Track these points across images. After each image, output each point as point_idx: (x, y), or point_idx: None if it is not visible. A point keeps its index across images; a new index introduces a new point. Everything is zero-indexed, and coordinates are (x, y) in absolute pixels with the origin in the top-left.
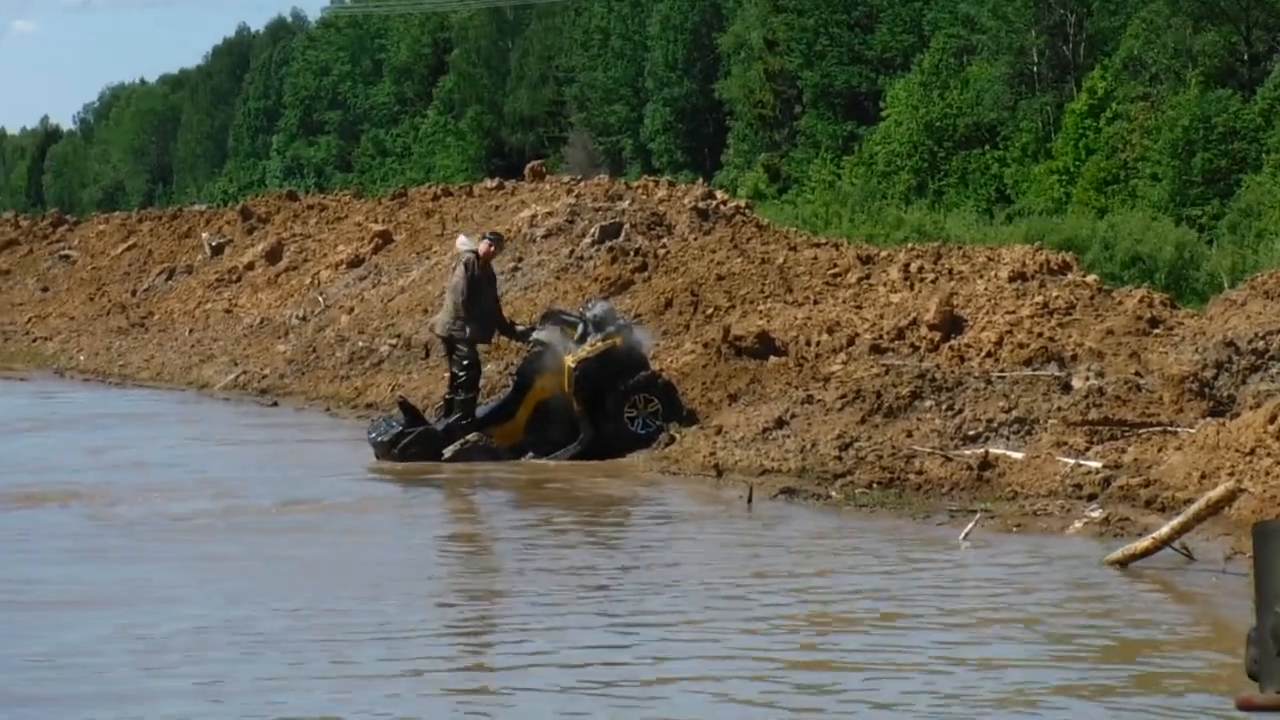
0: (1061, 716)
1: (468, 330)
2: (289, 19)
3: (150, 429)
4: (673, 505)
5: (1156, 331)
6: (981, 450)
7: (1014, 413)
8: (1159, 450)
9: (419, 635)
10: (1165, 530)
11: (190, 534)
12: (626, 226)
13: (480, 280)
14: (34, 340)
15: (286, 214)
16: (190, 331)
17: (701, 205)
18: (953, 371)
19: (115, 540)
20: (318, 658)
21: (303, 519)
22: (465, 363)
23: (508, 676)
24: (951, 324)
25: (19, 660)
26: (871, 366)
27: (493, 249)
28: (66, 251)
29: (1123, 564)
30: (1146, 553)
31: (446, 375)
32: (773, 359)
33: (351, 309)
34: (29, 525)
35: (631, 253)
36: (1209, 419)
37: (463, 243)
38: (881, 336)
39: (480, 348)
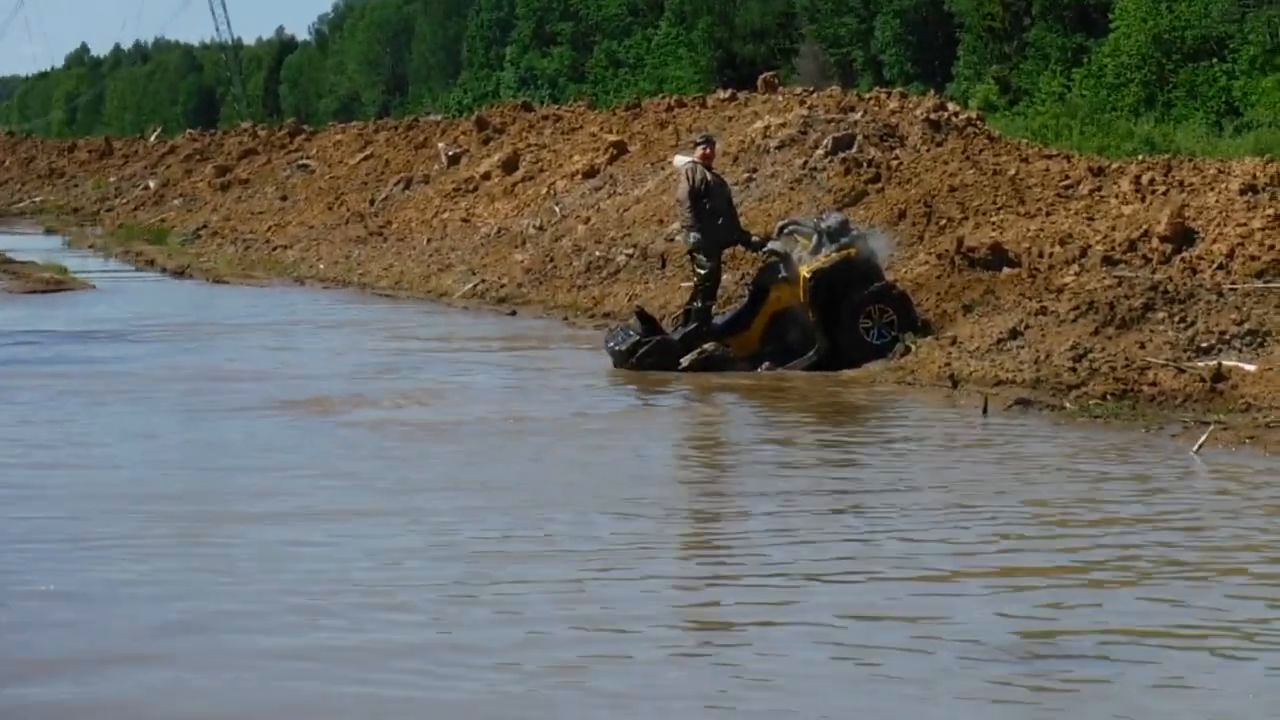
0: None
1: (701, 239)
2: None
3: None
4: (911, 417)
5: None
6: (1214, 362)
7: (1246, 325)
8: None
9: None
10: None
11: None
12: (859, 138)
13: (705, 188)
14: (274, 249)
15: (521, 124)
16: (428, 240)
17: (933, 117)
18: (1185, 283)
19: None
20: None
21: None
22: (702, 272)
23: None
24: (1183, 236)
25: None
26: (1104, 278)
27: (708, 151)
28: (304, 161)
29: None
30: None
31: (685, 285)
32: (1006, 270)
33: (588, 219)
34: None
35: (864, 164)
36: None
37: (679, 159)
38: (1114, 248)
39: (725, 253)
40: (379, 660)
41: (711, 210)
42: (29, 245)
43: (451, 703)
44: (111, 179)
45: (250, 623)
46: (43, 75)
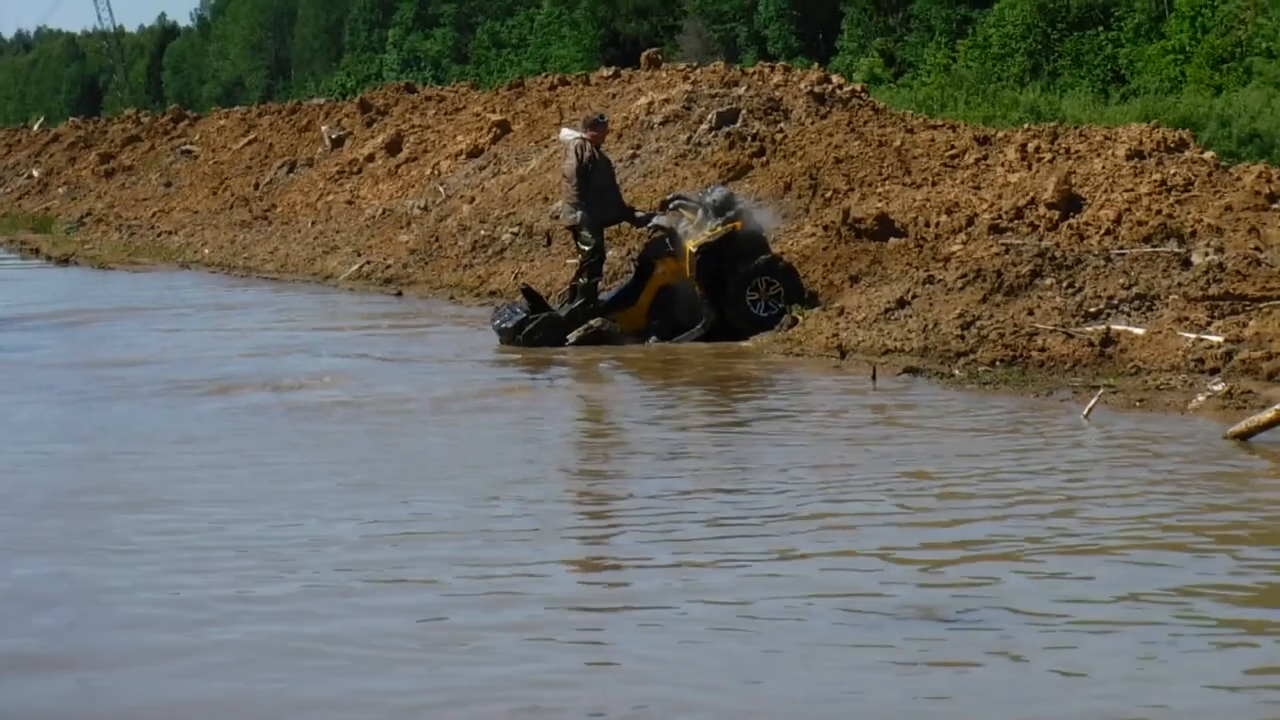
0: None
1: (587, 216)
2: None
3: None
4: (799, 387)
5: (1276, 206)
6: (1103, 327)
7: (1134, 289)
8: None
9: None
10: None
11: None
12: (743, 112)
13: (594, 165)
14: (159, 235)
15: (405, 106)
16: (313, 223)
17: (818, 90)
18: (1072, 249)
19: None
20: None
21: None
22: (587, 248)
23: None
24: (1070, 202)
25: None
26: (991, 246)
27: (597, 134)
28: (188, 147)
29: (1244, 436)
30: (1270, 424)
31: (570, 262)
32: (892, 240)
33: (472, 198)
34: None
35: (749, 138)
36: None
37: (566, 134)
38: (1000, 216)
39: (608, 230)
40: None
41: (597, 187)
42: None
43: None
44: None
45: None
46: None
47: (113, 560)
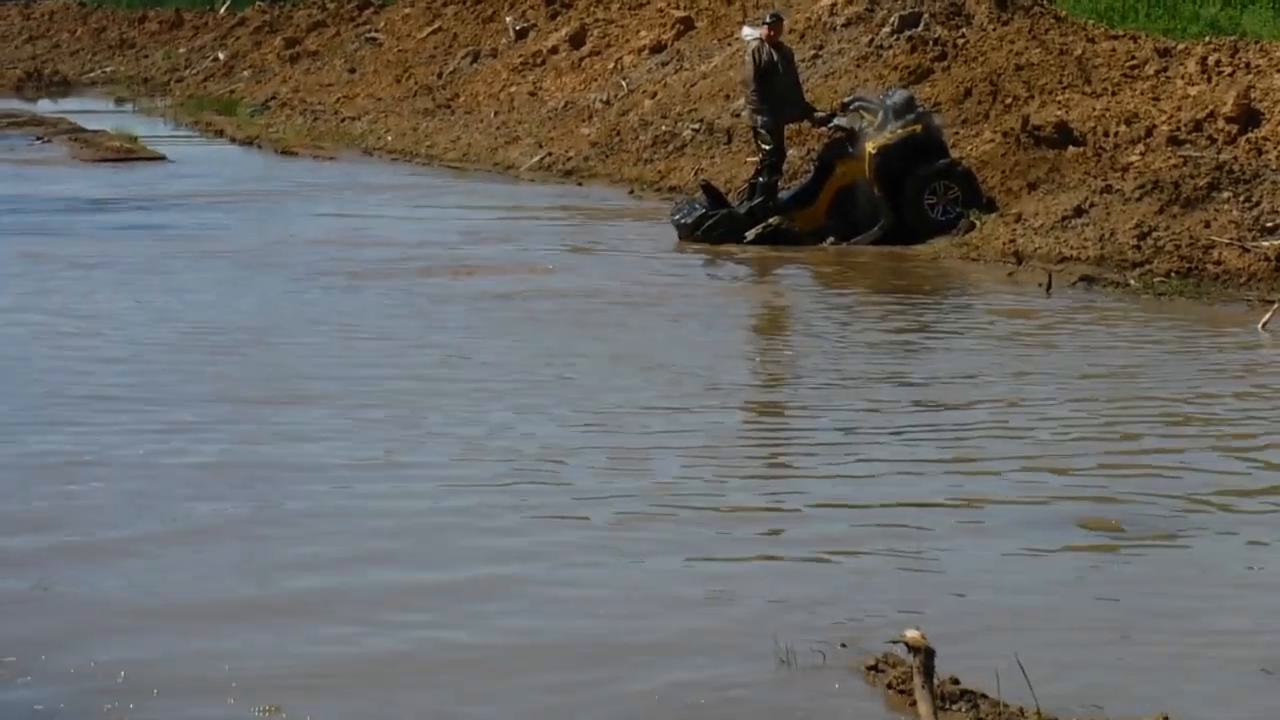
0: None
1: (767, 119)
2: None
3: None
4: (977, 291)
5: None
6: (1279, 242)
7: None
8: None
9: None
10: None
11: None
12: (925, 16)
13: (771, 65)
14: (342, 120)
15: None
16: (495, 114)
17: None
18: (1250, 164)
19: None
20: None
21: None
22: (767, 148)
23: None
24: (1249, 117)
25: None
26: (1169, 158)
27: (772, 31)
28: (373, 34)
29: None
30: None
31: (750, 160)
32: (1071, 149)
33: (654, 94)
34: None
35: (930, 42)
36: None
37: (747, 33)
38: (1179, 128)
39: (788, 129)
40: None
41: (778, 88)
42: (100, 115)
43: None
44: (181, 50)
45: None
46: None
47: None
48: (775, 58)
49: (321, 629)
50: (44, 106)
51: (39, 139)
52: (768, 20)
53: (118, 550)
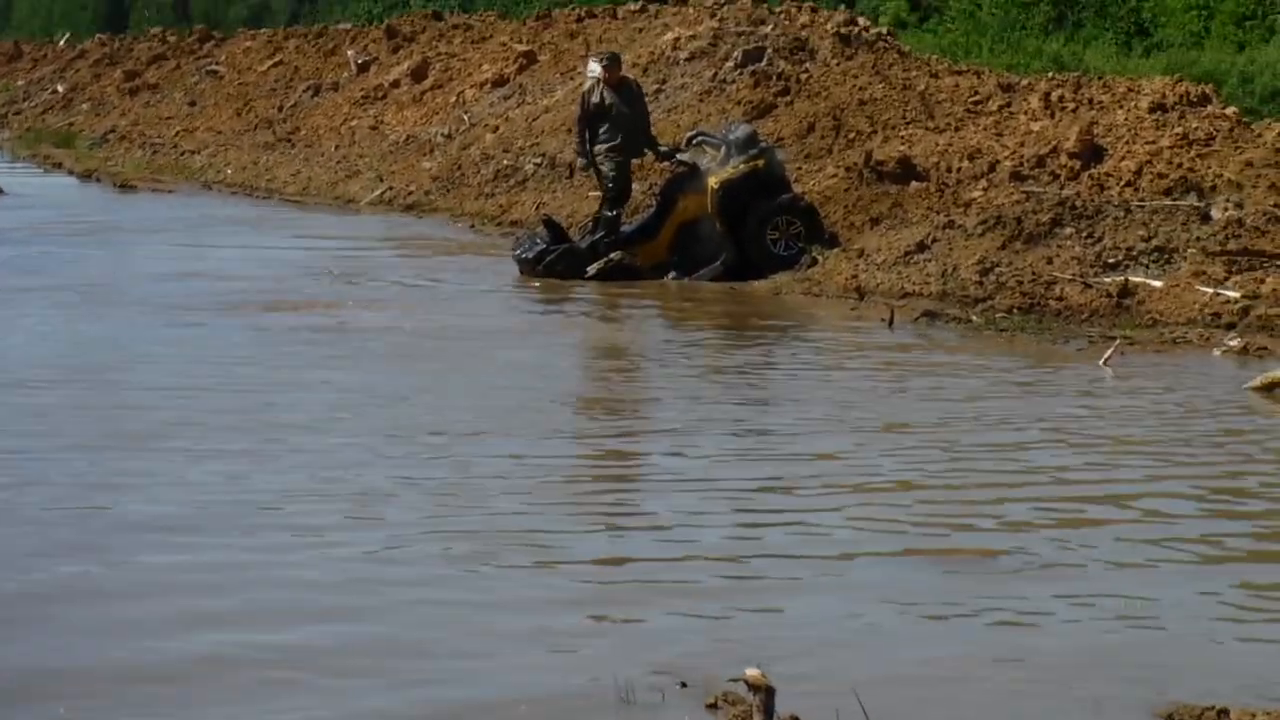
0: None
1: (585, 160)
2: None
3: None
4: (816, 327)
5: None
6: (1121, 278)
7: (1153, 241)
8: None
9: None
10: None
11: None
12: (769, 51)
13: (601, 107)
14: (181, 154)
15: (431, 33)
16: (336, 147)
17: (844, 31)
18: (1093, 200)
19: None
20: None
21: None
22: (609, 182)
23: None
24: (1092, 152)
25: None
26: (1012, 193)
27: (608, 73)
28: (213, 67)
29: (1267, 389)
30: None
31: (592, 195)
32: (914, 184)
33: (496, 127)
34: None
35: (774, 77)
36: None
37: (592, 68)
38: (1022, 163)
39: (633, 163)
40: None
41: (609, 127)
42: None
43: None
44: (20, 82)
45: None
46: None
47: None
48: (610, 99)
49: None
50: None
51: None
52: (603, 61)
53: None
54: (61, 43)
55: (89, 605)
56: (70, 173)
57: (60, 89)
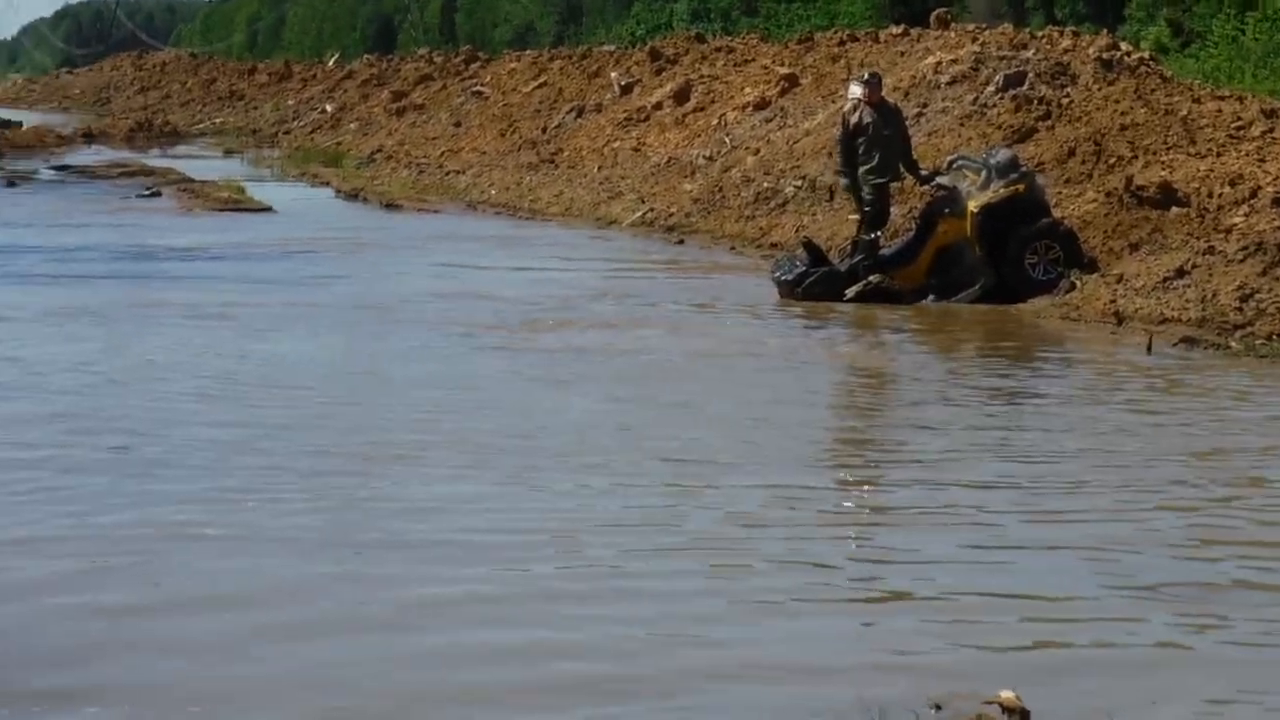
0: None
1: (849, 181)
2: None
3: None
4: (1075, 351)
5: None
6: None
7: None
8: None
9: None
10: None
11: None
12: (1030, 75)
13: (861, 126)
14: (446, 174)
15: (694, 56)
16: (598, 169)
17: (1105, 56)
18: None
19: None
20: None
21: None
22: (868, 205)
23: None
24: None
25: None
26: (1274, 219)
27: (869, 92)
28: (478, 88)
29: None
30: None
31: (852, 218)
32: (1174, 209)
33: (757, 150)
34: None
35: (1035, 101)
36: None
37: (853, 90)
38: None
39: (893, 186)
40: None
41: (880, 146)
42: (208, 166)
43: None
44: (290, 102)
45: None
46: None
47: None
48: (870, 119)
49: None
50: (154, 156)
51: (148, 189)
52: (865, 80)
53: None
54: (331, 63)
55: None
56: (338, 192)
57: (329, 109)
